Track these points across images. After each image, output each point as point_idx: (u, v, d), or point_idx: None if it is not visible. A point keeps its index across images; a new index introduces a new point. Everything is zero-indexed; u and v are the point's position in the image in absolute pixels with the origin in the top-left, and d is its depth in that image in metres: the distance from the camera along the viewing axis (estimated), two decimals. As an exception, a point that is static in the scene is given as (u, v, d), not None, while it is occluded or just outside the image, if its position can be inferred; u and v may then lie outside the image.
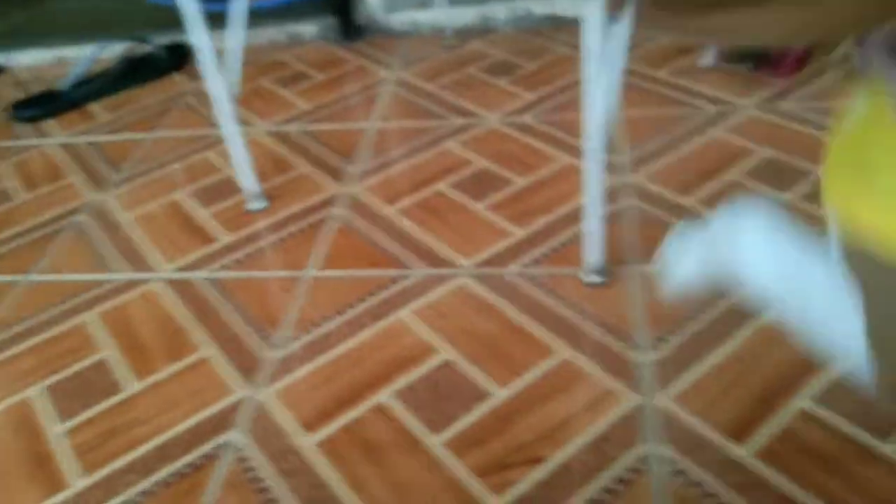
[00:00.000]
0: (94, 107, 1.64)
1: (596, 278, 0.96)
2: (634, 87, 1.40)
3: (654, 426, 0.77)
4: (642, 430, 0.77)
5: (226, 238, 1.15)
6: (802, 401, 0.78)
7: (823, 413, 0.77)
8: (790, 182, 1.10)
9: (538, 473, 0.75)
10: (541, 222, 1.08)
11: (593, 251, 0.95)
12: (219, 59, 1.12)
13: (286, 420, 0.84)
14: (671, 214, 1.06)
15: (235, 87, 1.18)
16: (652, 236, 1.02)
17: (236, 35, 1.19)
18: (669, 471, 0.73)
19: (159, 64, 1.72)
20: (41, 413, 0.89)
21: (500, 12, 1.70)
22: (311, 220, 1.16)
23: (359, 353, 0.91)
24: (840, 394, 0.78)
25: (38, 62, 1.91)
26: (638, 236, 1.03)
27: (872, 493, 0.69)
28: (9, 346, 1.00)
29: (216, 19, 1.54)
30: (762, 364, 0.83)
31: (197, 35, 1.08)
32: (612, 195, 1.12)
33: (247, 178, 1.19)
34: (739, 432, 0.76)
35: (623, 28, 0.83)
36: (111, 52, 1.80)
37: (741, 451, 0.74)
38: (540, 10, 1.67)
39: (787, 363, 0.82)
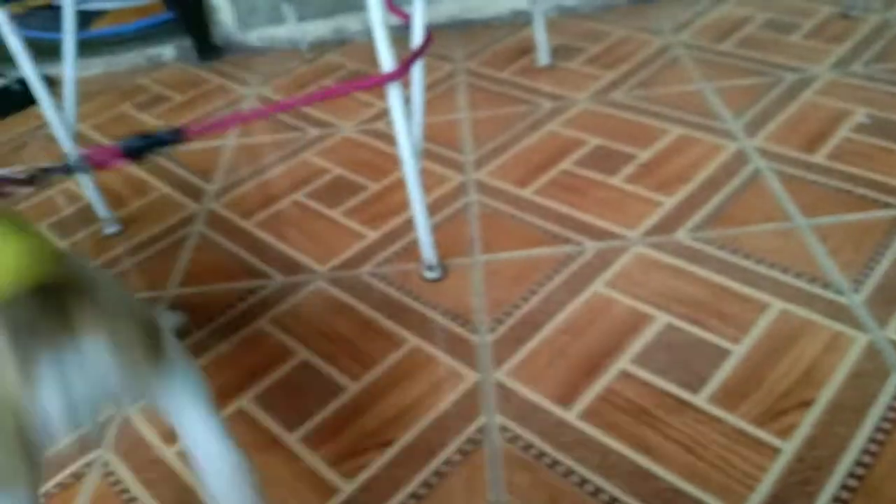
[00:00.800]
0: (-55, 144, 1.60)
1: (431, 274, 1.04)
2: (479, 89, 1.50)
3: (491, 400, 0.85)
4: (480, 405, 0.85)
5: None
6: (622, 363, 0.88)
7: (641, 372, 0.87)
8: (616, 166, 1.21)
9: (387, 456, 0.81)
10: (391, 224, 1.15)
11: (427, 250, 1.03)
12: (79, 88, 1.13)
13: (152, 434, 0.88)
14: (510, 206, 1.15)
15: (72, 118, 1.18)
16: (492, 228, 1.11)
17: (70, 65, 1.19)
18: (505, 437, 0.81)
19: (16, 97, 1.69)
20: None
21: (353, 24, 1.76)
22: (170, 239, 1.19)
23: (223, 361, 0.95)
24: (655, 353, 0.88)
25: None
26: (479, 229, 1.12)
27: (684, 440, 0.79)
28: None
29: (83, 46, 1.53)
30: (585, 334, 0.92)
31: (26, 68, 1.10)
32: (456, 193, 1.20)
33: (99, 205, 1.22)
34: (567, 397, 0.85)
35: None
36: (-40, 86, 1.76)
37: (569, 414, 0.83)
38: (392, 20, 1.74)
39: (607, 331, 0.92)
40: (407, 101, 0.92)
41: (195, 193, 1.30)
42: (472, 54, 1.65)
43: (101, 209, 1.23)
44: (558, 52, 1.60)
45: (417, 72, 0.98)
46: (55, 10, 2.19)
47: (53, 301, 0.53)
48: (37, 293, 0.52)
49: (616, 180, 1.19)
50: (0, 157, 1.52)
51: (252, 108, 1.54)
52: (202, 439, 0.64)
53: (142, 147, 0.80)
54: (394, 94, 0.90)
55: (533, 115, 1.39)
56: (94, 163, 0.79)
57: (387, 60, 0.88)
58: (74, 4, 1.22)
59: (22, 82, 1.73)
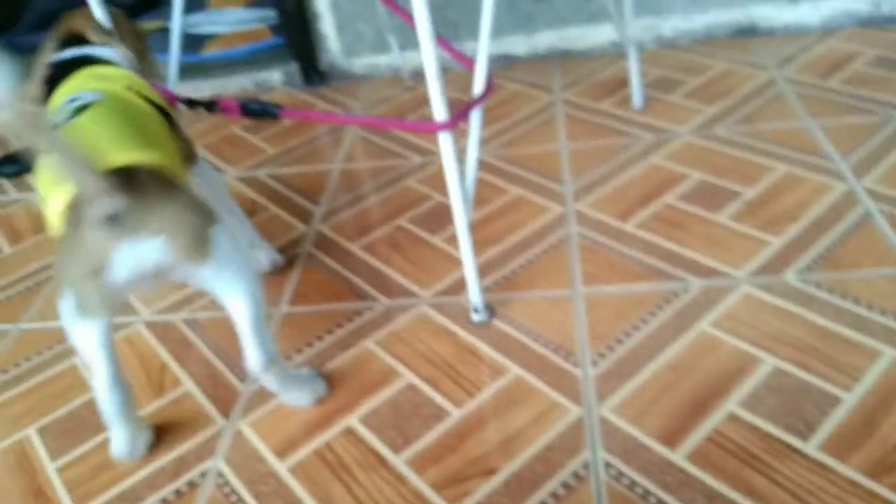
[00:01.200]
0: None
1: (477, 316, 1.05)
2: (578, 120, 1.51)
3: (596, 435, 0.86)
4: (584, 439, 0.86)
5: (202, 280, 1.23)
6: (730, 404, 0.88)
7: (748, 415, 0.86)
8: (721, 202, 1.20)
9: (491, 484, 0.83)
10: (489, 253, 1.18)
11: (473, 293, 1.06)
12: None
13: (261, 447, 0.92)
14: (612, 239, 1.16)
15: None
16: (593, 260, 1.12)
17: (172, 84, 1.28)
18: (609, 474, 0.82)
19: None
20: (37, 452, 0.96)
21: (454, 53, 1.81)
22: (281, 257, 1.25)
23: (333, 379, 0.99)
24: (763, 397, 0.87)
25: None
26: (580, 261, 1.13)
27: (794, 488, 0.78)
28: (3, 390, 1.07)
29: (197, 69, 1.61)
30: (691, 373, 0.92)
31: None
32: (556, 223, 1.22)
33: None
34: (672, 436, 0.85)
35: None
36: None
37: (674, 454, 0.83)
38: (494, 49, 1.78)
39: (715, 370, 0.92)
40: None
41: (304, 215, 1.35)
42: (571, 84, 1.67)
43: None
44: (657, 83, 1.60)
45: (475, 119, 0.99)
46: (168, 33, 2.33)
47: (147, 190, 0.77)
48: (139, 180, 0.77)
49: (721, 217, 1.18)
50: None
51: (331, 141, 1.60)
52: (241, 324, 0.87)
53: (254, 108, 1.02)
54: (445, 141, 0.92)
55: (633, 148, 1.39)
56: (223, 106, 1.03)
57: (439, 109, 0.90)
58: (183, 29, 1.30)
59: (141, 102, 1.84)
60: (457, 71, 1.80)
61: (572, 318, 1.03)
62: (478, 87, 0.98)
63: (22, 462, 0.95)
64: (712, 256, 1.11)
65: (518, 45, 1.76)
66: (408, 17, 1.17)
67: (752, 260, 1.09)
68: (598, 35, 1.77)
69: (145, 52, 1.10)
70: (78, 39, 1.02)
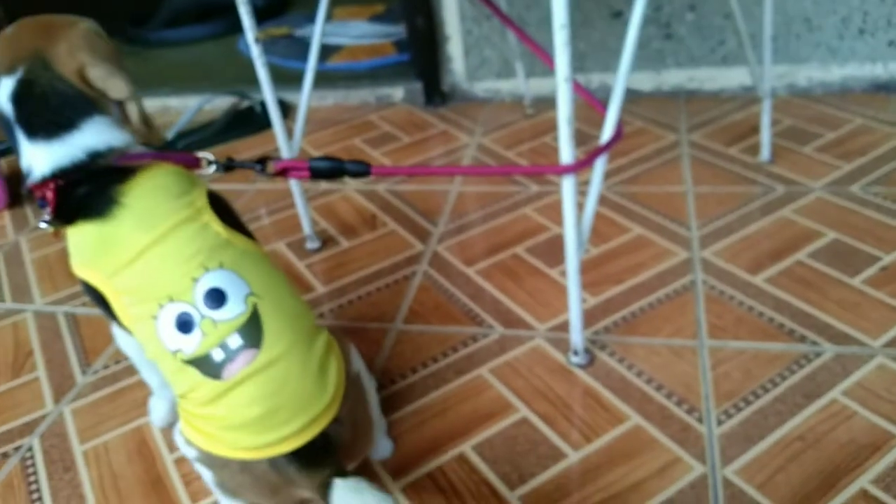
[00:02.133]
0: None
1: (576, 359, 1.03)
2: (704, 163, 1.47)
3: (720, 498, 0.83)
4: (709, 500, 0.82)
5: (321, 288, 1.25)
6: (863, 482, 0.83)
7: (884, 496, 0.81)
8: (856, 265, 1.14)
9: (607, 532, 0.81)
10: (613, 291, 1.15)
11: (576, 335, 1.03)
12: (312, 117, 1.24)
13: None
14: (739, 292, 1.12)
15: (298, 144, 1.28)
16: (719, 312, 1.09)
17: (306, 95, 1.30)
18: (731, 539, 0.78)
19: (259, 118, 1.86)
20: (156, 440, 0.99)
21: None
22: (397, 275, 1.26)
23: (447, 403, 0.99)
24: (899, 477, 0.82)
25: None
26: (705, 311, 1.09)
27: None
28: (124, 376, 1.11)
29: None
30: (822, 444, 0.87)
31: (268, 94, 1.21)
32: (680, 269, 1.18)
33: (305, 223, 1.36)
34: (799, 508, 0.81)
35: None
36: (211, 104, 1.96)
37: (801, 526, 0.79)
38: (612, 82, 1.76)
39: (846, 444, 0.87)
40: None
41: (421, 234, 1.36)
42: (698, 126, 1.63)
43: (306, 226, 1.35)
44: (789, 133, 1.55)
45: (599, 166, 0.96)
46: (294, 41, 2.41)
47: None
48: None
49: (856, 281, 1.12)
50: (249, 172, 1.67)
51: (448, 163, 1.60)
52: None
53: (327, 169, 0.87)
54: (568, 185, 0.90)
55: (763, 198, 1.35)
56: (281, 168, 0.87)
57: (566, 153, 0.87)
58: (320, 39, 1.32)
59: (264, 106, 1.90)
60: (579, 100, 1.79)
61: (697, 371, 0.99)
62: (607, 133, 0.95)
63: (141, 449, 0.98)
64: (847, 322, 1.05)
65: (644, 81, 1.74)
66: (542, 53, 1.16)
67: (889, 330, 1.03)
68: (729, 78, 1.73)
69: (137, 100, 0.79)
70: (46, 78, 0.73)
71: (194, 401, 0.73)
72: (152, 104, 2.08)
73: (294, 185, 1.32)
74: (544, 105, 1.80)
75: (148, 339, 0.74)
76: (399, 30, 2.32)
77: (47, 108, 0.73)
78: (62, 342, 1.21)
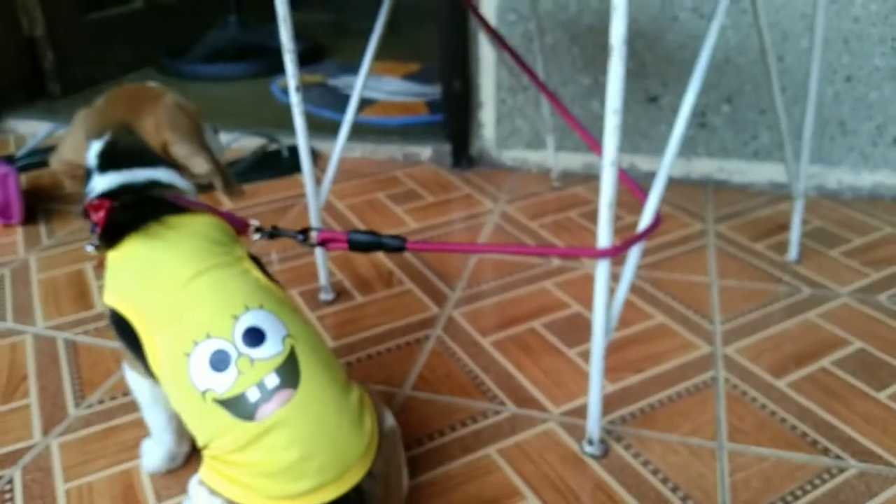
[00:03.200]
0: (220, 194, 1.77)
1: (590, 448, 0.99)
2: (730, 256, 1.45)
3: None
4: None
5: (331, 343, 1.22)
6: None
7: None
8: (882, 379, 1.11)
9: None
10: (631, 380, 1.12)
11: (593, 425, 0.97)
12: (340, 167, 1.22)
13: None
14: (761, 394, 1.08)
15: (326, 193, 1.27)
16: (740, 414, 1.04)
17: (339, 146, 1.30)
18: None
19: (285, 162, 1.86)
20: (144, 487, 0.95)
21: (606, 162, 1.79)
22: (409, 337, 1.22)
23: (450, 482, 0.94)
24: None
25: (172, 141, 2.09)
26: (725, 412, 1.05)
27: None
28: (115, 415, 1.07)
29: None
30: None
31: (302, 141, 1.20)
32: (701, 364, 1.15)
33: (322, 274, 1.33)
34: None
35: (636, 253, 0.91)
36: (238, 143, 1.96)
37: None
38: (645, 166, 1.76)
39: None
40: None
41: (437, 297, 1.33)
42: (725, 218, 1.61)
43: (322, 277, 1.33)
44: (816, 235, 1.53)
45: (634, 253, 0.94)
46: (327, 90, 2.43)
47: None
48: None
49: (882, 395, 1.08)
50: (267, 216, 1.65)
51: (490, 238, 1.58)
52: None
53: (365, 243, 0.90)
54: (601, 269, 0.87)
55: (788, 299, 1.32)
56: (322, 239, 0.90)
57: (604, 237, 0.86)
58: (360, 92, 1.32)
59: (291, 150, 1.90)
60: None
61: (715, 475, 0.95)
62: (645, 220, 0.93)
63: (127, 494, 0.94)
64: (872, 439, 1.01)
65: (674, 167, 1.73)
66: (583, 131, 1.16)
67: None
68: (759, 173, 1.72)
69: (208, 156, 0.82)
70: (129, 140, 0.80)
71: (223, 447, 0.69)
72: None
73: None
74: (571, 179, 1.79)
75: (176, 377, 0.72)
76: (432, 90, 2.34)
77: (126, 155, 0.80)
78: (58, 370, 1.17)
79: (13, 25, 2.26)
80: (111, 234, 0.77)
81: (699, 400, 1.08)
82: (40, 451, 1.01)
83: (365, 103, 2.23)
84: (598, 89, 1.73)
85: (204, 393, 0.70)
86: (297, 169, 1.86)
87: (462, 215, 1.64)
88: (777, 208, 1.66)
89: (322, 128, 1.93)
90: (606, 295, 0.87)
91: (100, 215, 0.75)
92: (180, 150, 0.81)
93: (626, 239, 0.88)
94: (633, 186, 1.01)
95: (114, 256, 0.78)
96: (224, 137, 1.97)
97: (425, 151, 1.91)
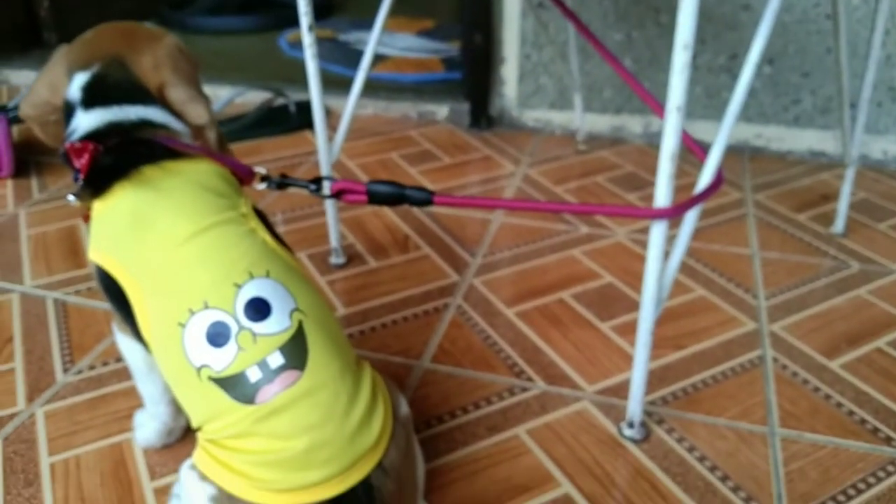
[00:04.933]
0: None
1: (629, 431, 0.88)
2: (771, 227, 1.35)
3: None
4: None
5: (342, 309, 1.12)
6: None
7: None
8: (946, 364, 1.01)
9: None
10: (672, 357, 1.02)
11: (635, 407, 0.88)
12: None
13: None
14: (812, 376, 0.99)
15: (338, 150, 1.17)
16: (790, 397, 0.95)
17: (352, 102, 1.20)
18: None
19: (293, 119, 1.75)
20: (137, 463, 0.86)
21: (635, 125, 1.68)
22: (427, 306, 1.13)
23: (479, 464, 0.85)
24: None
25: (174, 95, 1.97)
26: (775, 394, 0.96)
27: None
28: (107, 382, 0.98)
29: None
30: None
31: (316, 96, 1.11)
32: (747, 341, 1.05)
33: (333, 236, 1.23)
34: None
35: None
36: (243, 97, 1.85)
37: None
38: (676, 130, 1.64)
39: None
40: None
41: (457, 263, 1.23)
42: (763, 187, 1.50)
43: (333, 239, 1.23)
44: (861, 207, 1.42)
45: (692, 215, 0.83)
46: (338, 45, 2.31)
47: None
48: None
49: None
50: (276, 171, 1.54)
51: (513, 198, 1.48)
52: None
53: (387, 195, 0.78)
54: (657, 232, 0.77)
55: (837, 274, 1.22)
56: (337, 190, 0.79)
57: (663, 195, 0.75)
58: (374, 47, 1.21)
59: (299, 106, 1.79)
60: (637, 145, 1.67)
61: (768, 464, 0.86)
62: (705, 178, 0.82)
63: (118, 470, 0.84)
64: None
65: (709, 131, 1.62)
66: (639, 87, 1.05)
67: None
68: (799, 140, 1.61)
69: (207, 104, 0.74)
70: (121, 74, 0.71)
71: (220, 431, 0.60)
72: (181, 90, 1.97)
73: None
74: (597, 143, 1.68)
75: (168, 350, 0.62)
76: (446, 47, 2.21)
77: (115, 90, 0.71)
78: (46, 332, 1.07)
79: (7, -30, 2.13)
80: (96, 181, 0.66)
81: (746, 380, 0.98)
82: (24, 421, 0.92)
83: (377, 59, 2.11)
84: (631, 45, 1.61)
85: (199, 369, 0.60)
86: (305, 125, 1.75)
87: (481, 178, 1.53)
88: (818, 177, 1.55)
89: (332, 83, 1.81)
90: (661, 260, 0.77)
91: (83, 160, 0.65)
92: (180, 93, 0.72)
93: (687, 199, 0.77)
94: (691, 143, 0.90)
95: (100, 207, 0.68)
96: (228, 91, 1.86)
97: (441, 110, 1.79)
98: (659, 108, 0.96)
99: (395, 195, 0.78)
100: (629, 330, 1.07)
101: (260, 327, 0.60)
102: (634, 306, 1.13)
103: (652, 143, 1.68)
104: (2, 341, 1.06)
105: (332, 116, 1.81)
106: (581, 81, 1.62)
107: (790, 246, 1.30)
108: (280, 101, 1.82)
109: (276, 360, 0.60)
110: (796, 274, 1.22)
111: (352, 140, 1.70)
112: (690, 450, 0.87)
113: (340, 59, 2.12)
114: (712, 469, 0.85)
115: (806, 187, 1.51)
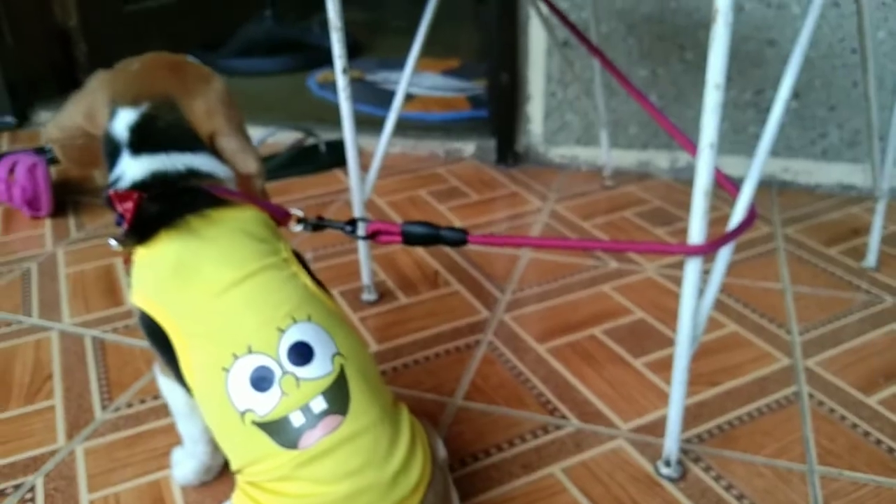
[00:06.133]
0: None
1: (666, 470, 0.87)
2: (802, 261, 1.34)
3: None
4: None
5: (374, 346, 1.13)
6: None
7: None
8: None
9: None
10: (705, 394, 1.01)
11: (671, 444, 0.87)
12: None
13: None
14: (850, 413, 0.98)
15: (370, 189, 1.20)
16: (829, 434, 0.94)
17: (384, 141, 1.24)
18: None
19: (323, 158, 1.78)
20: (175, 498, 0.86)
21: (661, 161, 1.69)
22: (458, 342, 1.13)
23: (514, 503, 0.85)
24: None
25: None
26: (813, 431, 0.95)
27: None
28: (146, 419, 0.99)
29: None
30: None
31: (349, 135, 1.14)
32: (782, 378, 1.04)
33: (365, 273, 1.24)
34: None
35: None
36: (274, 137, 1.89)
37: None
38: (702, 165, 1.65)
39: None
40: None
41: (486, 299, 1.24)
42: (792, 221, 1.50)
43: (365, 276, 1.24)
44: (893, 240, 1.41)
45: (725, 251, 0.83)
46: (366, 85, 2.36)
47: None
48: None
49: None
50: (308, 210, 1.56)
51: (543, 236, 1.49)
52: None
53: (422, 235, 0.79)
54: (692, 269, 0.77)
55: (870, 308, 1.20)
56: (372, 231, 0.80)
57: (697, 231, 0.75)
58: (405, 87, 1.25)
59: (329, 145, 1.82)
60: (663, 180, 1.68)
61: (807, 503, 0.84)
62: (738, 214, 0.82)
63: (156, 506, 0.86)
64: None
65: (737, 166, 1.62)
66: (668, 124, 1.06)
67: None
68: (827, 173, 1.61)
69: (257, 155, 0.75)
70: (171, 117, 0.70)
71: (261, 474, 0.61)
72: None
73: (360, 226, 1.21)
74: (624, 178, 1.69)
75: (211, 394, 0.63)
76: (472, 86, 2.25)
77: (164, 136, 0.70)
78: (85, 370, 1.09)
79: (47, 15, 2.21)
80: (141, 229, 0.67)
81: (783, 417, 0.97)
82: (64, 458, 0.93)
83: (405, 98, 2.14)
84: (657, 81, 1.63)
85: (243, 414, 0.61)
86: (335, 165, 1.78)
87: (508, 214, 1.55)
88: (848, 211, 1.54)
89: (361, 123, 1.83)
90: (696, 297, 0.77)
91: (127, 206, 0.65)
92: (232, 143, 0.72)
93: (722, 236, 0.78)
94: (722, 179, 0.91)
95: (143, 253, 0.69)
96: (259, 132, 1.90)
97: (468, 147, 1.82)
98: (687, 143, 0.97)
99: (430, 236, 0.79)
100: (663, 366, 1.07)
101: (303, 372, 0.61)
102: (667, 342, 1.12)
103: (678, 178, 1.69)
104: (41, 379, 1.08)
105: (361, 155, 1.83)
106: (607, 118, 1.63)
107: (822, 280, 1.29)
108: (310, 140, 1.86)
109: (319, 404, 0.61)
110: (829, 309, 1.21)
111: (381, 178, 1.72)
112: (728, 488, 0.86)
113: (369, 98, 2.16)
114: (751, 508, 0.84)
115: (836, 221, 1.50)
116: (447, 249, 1.40)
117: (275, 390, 0.60)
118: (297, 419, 0.60)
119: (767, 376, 1.05)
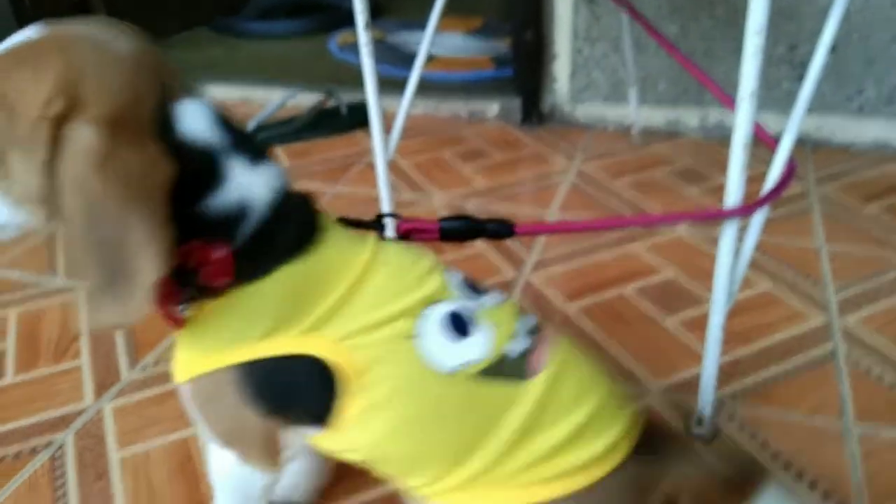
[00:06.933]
0: (278, 151, 1.68)
1: (698, 429, 0.85)
2: (838, 220, 1.30)
3: None
4: None
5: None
6: None
7: None
8: None
9: None
10: (739, 352, 0.99)
11: (706, 405, 0.85)
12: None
13: None
14: (888, 371, 0.95)
15: (393, 151, 1.18)
16: (865, 393, 0.92)
17: (407, 101, 1.22)
18: None
19: (344, 120, 1.76)
20: (202, 457, 0.86)
21: (690, 118, 1.65)
22: (485, 303, 1.12)
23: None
24: None
25: (225, 98, 2.00)
26: (849, 390, 0.92)
27: None
28: (176, 377, 0.99)
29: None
30: None
31: (372, 96, 1.11)
32: (817, 336, 1.02)
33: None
34: None
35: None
36: (294, 100, 1.86)
37: None
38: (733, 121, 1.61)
39: None
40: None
41: (514, 260, 1.22)
42: (826, 178, 1.46)
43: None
44: (933, 198, 1.37)
45: (763, 211, 0.81)
46: (386, 46, 2.32)
47: None
48: None
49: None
50: (328, 172, 1.56)
51: (592, 219, 1.46)
52: None
53: (463, 230, 0.72)
54: (729, 232, 0.75)
55: (909, 267, 1.17)
56: (405, 231, 0.71)
57: (735, 193, 0.73)
58: (428, 47, 1.22)
59: (350, 107, 1.80)
60: (693, 138, 1.64)
61: (845, 460, 0.82)
62: (775, 172, 0.79)
63: (185, 466, 0.85)
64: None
65: (769, 123, 1.58)
66: (703, 76, 1.02)
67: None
68: (863, 131, 1.56)
69: None
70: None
71: (501, 441, 0.52)
72: (236, 94, 2.00)
73: (383, 190, 1.19)
74: (653, 137, 1.66)
75: (405, 386, 0.52)
76: (494, 45, 2.21)
77: (245, 138, 0.53)
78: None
79: (65, -20, 2.19)
80: (265, 262, 0.52)
81: (818, 376, 0.95)
82: (93, 416, 0.93)
83: (427, 59, 2.11)
84: (686, 37, 1.58)
85: (457, 372, 0.52)
86: (356, 126, 1.76)
87: (534, 174, 1.52)
88: (883, 170, 1.50)
89: (382, 84, 1.81)
90: (731, 258, 0.75)
91: (220, 255, 0.50)
92: None
93: (760, 197, 0.75)
94: (761, 132, 0.87)
95: (254, 290, 0.52)
96: (280, 95, 1.88)
97: (492, 108, 1.79)
98: (722, 95, 0.93)
99: (471, 230, 0.71)
100: (695, 325, 1.05)
101: (486, 301, 0.56)
102: (698, 300, 1.10)
103: (709, 136, 1.64)
104: (68, 338, 1.08)
105: (383, 117, 1.81)
106: (636, 74, 1.59)
107: (858, 238, 1.25)
108: (331, 102, 1.84)
109: (522, 324, 0.55)
110: (866, 267, 1.17)
111: (404, 139, 1.70)
112: (763, 446, 0.84)
113: (390, 59, 2.13)
114: (786, 466, 0.82)
115: (871, 179, 1.46)
116: (471, 209, 1.38)
117: (481, 326, 0.54)
118: (513, 347, 0.54)
119: (803, 335, 1.02)
